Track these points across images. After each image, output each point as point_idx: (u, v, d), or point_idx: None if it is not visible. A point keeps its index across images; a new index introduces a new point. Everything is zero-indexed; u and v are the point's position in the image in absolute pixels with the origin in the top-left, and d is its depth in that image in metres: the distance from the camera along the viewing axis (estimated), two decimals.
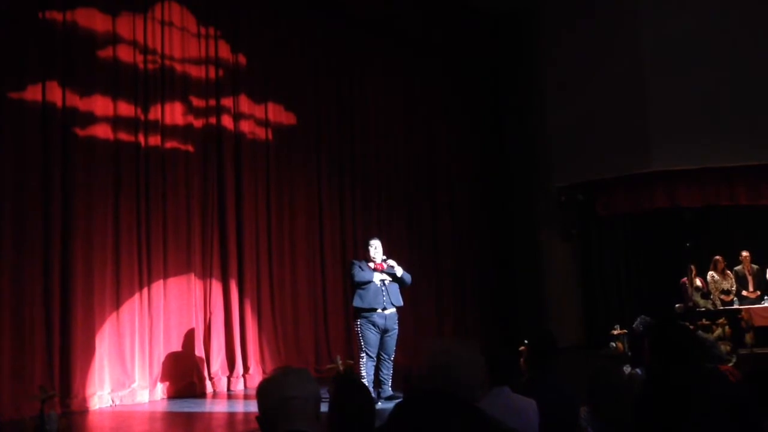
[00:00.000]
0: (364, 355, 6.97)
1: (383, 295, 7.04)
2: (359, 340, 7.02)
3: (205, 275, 8.65)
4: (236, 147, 9.13)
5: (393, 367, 7.22)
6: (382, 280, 7.09)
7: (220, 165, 8.96)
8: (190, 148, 8.69)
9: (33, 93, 7.43)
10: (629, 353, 8.21)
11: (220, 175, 8.94)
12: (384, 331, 7.05)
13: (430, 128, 11.40)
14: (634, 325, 6.45)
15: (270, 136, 9.51)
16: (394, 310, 7.15)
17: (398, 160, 10.96)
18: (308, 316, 9.61)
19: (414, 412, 1.94)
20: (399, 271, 7.19)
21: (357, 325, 7.00)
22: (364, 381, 6.77)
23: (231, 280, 8.85)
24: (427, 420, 1.90)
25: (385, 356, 7.09)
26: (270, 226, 9.38)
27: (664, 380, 2.97)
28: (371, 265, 7.17)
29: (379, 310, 7.00)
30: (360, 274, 6.98)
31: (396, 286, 7.20)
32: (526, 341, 4.00)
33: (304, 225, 9.77)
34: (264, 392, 2.22)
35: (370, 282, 7.00)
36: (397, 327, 7.23)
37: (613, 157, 10.61)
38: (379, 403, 6.54)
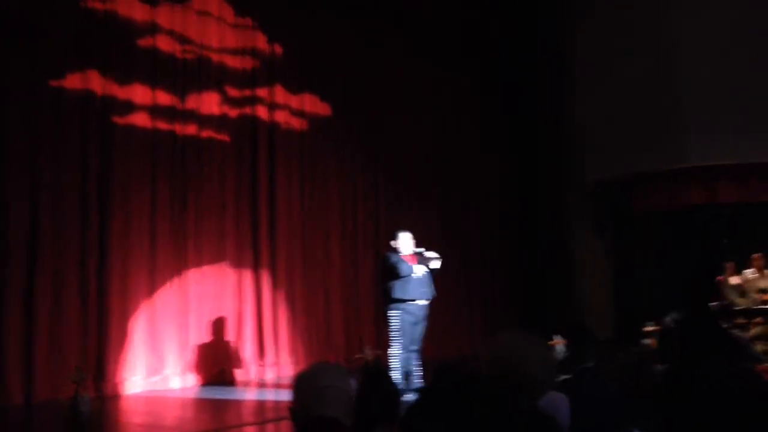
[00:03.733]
0: (396, 345, 6.95)
1: (423, 287, 7.03)
2: (392, 330, 6.97)
3: (238, 264, 8.72)
4: (271, 137, 9.16)
5: (421, 359, 7.18)
6: (421, 273, 7.06)
7: (255, 155, 9.00)
8: (226, 138, 8.75)
9: (72, 81, 7.54)
10: (660, 349, 8.09)
11: (254, 165, 8.98)
12: (417, 322, 7.03)
13: (460, 122, 11.32)
14: (665, 322, 6.33)
15: (305, 127, 9.52)
16: (428, 301, 7.14)
17: (429, 153, 10.92)
18: (340, 306, 9.62)
19: (440, 399, 1.91)
20: (436, 264, 7.16)
21: (393, 315, 6.95)
22: (395, 371, 6.74)
23: (263, 269, 8.89)
24: (452, 407, 1.87)
25: (414, 348, 7.04)
26: (303, 216, 9.41)
27: (689, 376, 2.89)
28: (404, 257, 7.10)
29: (419, 301, 7.00)
30: (403, 267, 6.94)
31: (430, 276, 7.18)
32: (556, 335, 3.92)
33: (337, 216, 9.78)
34: (299, 381, 2.29)
35: (411, 274, 6.97)
36: (426, 319, 7.17)
37: (649, 151, 10.43)
38: (409, 394, 6.50)
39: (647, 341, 8.94)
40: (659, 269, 11.50)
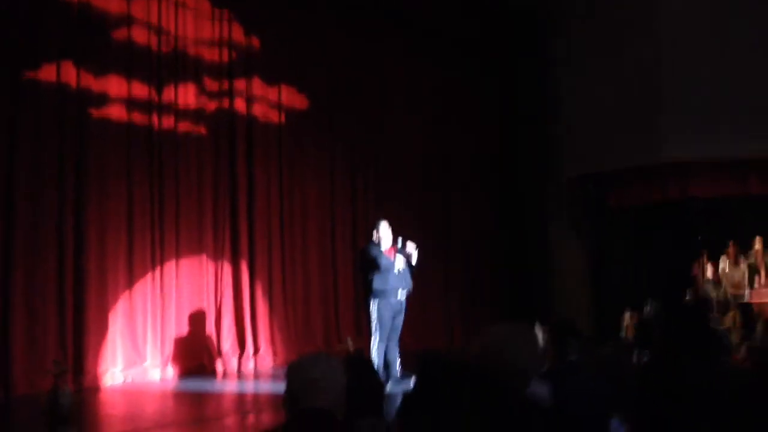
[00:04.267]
0: (376, 336, 7.00)
1: (401, 280, 7.10)
2: (372, 321, 7.02)
3: (216, 256, 8.71)
4: (249, 129, 9.13)
5: (400, 349, 7.22)
6: (399, 267, 7.13)
7: (233, 147, 8.98)
8: (203, 131, 8.71)
9: (48, 73, 7.46)
10: (637, 340, 8.21)
11: (232, 158, 8.96)
12: (396, 314, 7.10)
13: (443, 119, 11.33)
14: (644, 310, 6.43)
15: (283, 119, 9.50)
16: (406, 292, 7.20)
17: (410, 147, 10.91)
18: (319, 298, 9.64)
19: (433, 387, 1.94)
20: (415, 258, 7.21)
21: (374, 306, 7.00)
22: (375, 362, 6.77)
23: (242, 261, 8.89)
24: (444, 393, 1.91)
25: (394, 338, 7.11)
26: (282, 208, 9.40)
27: (669, 367, 2.94)
28: (383, 249, 7.16)
29: (397, 293, 7.05)
30: (384, 261, 6.99)
31: (409, 269, 7.24)
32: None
33: (316, 207, 9.78)
34: (291, 372, 2.30)
35: (391, 267, 7.03)
36: (405, 310, 7.23)
37: (626, 148, 10.52)
38: (389, 386, 6.55)
39: (625, 333, 9.05)
40: (636, 263, 11.64)
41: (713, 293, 10.19)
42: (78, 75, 7.64)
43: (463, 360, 2.14)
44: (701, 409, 2.86)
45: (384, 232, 7.19)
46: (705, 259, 10.45)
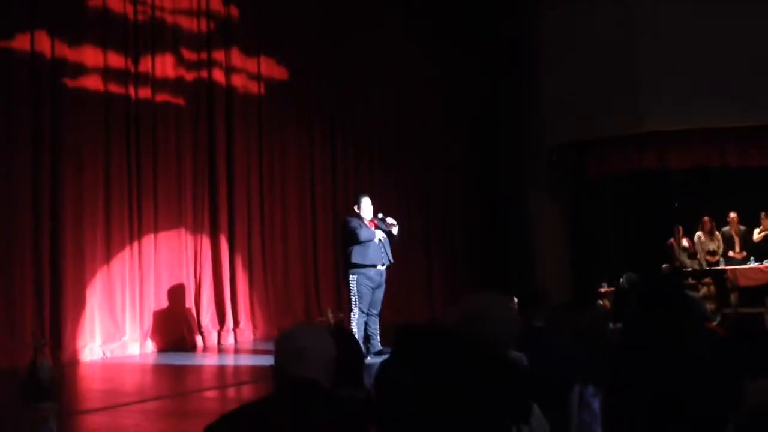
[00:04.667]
0: (356, 310, 7.03)
1: (381, 252, 7.09)
2: (352, 295, 7.04)
3: (195, 230, 8.69)
4: (228, 101, 9.08)
5: (380, 323, 7.27)
6: (380, 238, 7.13)
7: (212, 119, 8.92)
8: (181, 102, 8.65)
9: (21, 42, 7.35)
10: (614, 310, 8.30)
11: (211, 130, 8.91)
12: (377, 287, 7.12)
13: (423, 90, 11.29)
14: (620, 283, 6.50)
15: (262, 91, 9.44)
16: (386, 266, 7.21)
17: (391, 120, 10.89)
18: (299, 271, 9.65)
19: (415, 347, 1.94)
20: (396, 230, 7.23)
21: (352, 280, 7.03)
22: (355, 336, 6.80)
23: (221, 234, 8.88)
24: (429, 354, 1.91)
25: (374, 312, 7.13)
26: (262, 181, 9.38)
27: (643, 333, 2.96)
28: (365, 222, 7.16)
29: (378, 267, 7.06)
30: (364, 232, 6.99)
31: (389, 242, 7.25)
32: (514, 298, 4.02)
33: (296, 180, 9.76)
34: (280, 342, 2.31)
35: (372, 239, 7.03)
36: (385, 284, 7.25)
37: (604, 118, 10.55)
38: (368, 358, 6.60)
39: (602, 302, 9.14)
40: (613, 233, 11.75)
41: (688, 263, 10.33)
42: (52, 44, 7.54)
43: (442, 328, 2.18)
44: (676, 376, 2.89)
45: (365, 207, 7.20)
46: (681, 229, 10.55)
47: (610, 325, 5.70)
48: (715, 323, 7.33)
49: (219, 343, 8.65)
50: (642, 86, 10.37)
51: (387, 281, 7.28)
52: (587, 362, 3.37)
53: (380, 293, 7.19)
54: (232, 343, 8.70)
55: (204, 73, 8.88)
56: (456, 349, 1.90)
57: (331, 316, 7.96)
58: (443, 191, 11.53)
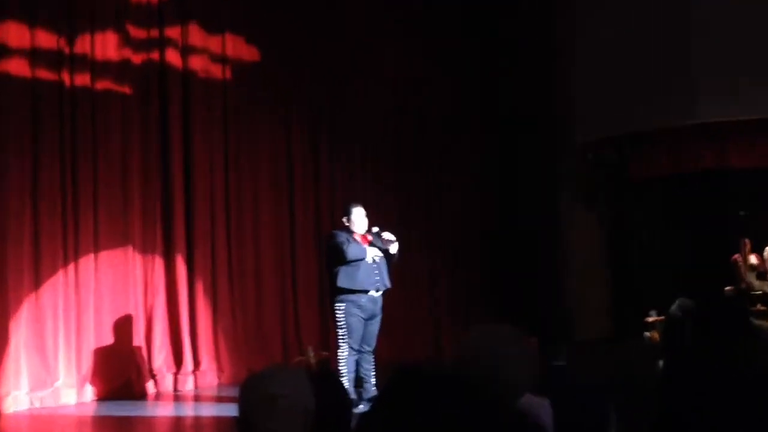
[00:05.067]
0: (345, 347, 7.03)
1: (375, 274, 7.09)
2: (340, 328, 7.05)
3: (146, 248, 8.69)
4: (185, 88, 9.10)
5: (375, 362, 7.26)
6: (374, 257, 7.14)
7: (165, 111, 8.93)
8: (127, 90, 8.67)
9: None
10: (664, 343, 8.26)
11: (164, 124, 8.92)
12: (370, 318, 7.13)
13: (427, 74, 11.30)
14: (671, 310, 6.46)
15: (228, 75, 9.45)
16: (381, 292, 7.22)
17: (387, 112, 10.91)
18: (274, 299, 9.64)
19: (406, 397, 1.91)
20: (395, 248, 7.22)
21: (339, 309, 7.03)
22: (344, 379, 6.82)
23: (178, 253, 8.88)
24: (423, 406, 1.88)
25: (367, 348, 7.15)
26: (227, 187, 9.38)
27: (698, 373, 2.92)
28: (356, 237, 7.18)
29: (371, 292, 7.07)
30: (352, 249, 6.97)
31: (386, 263, 7.26)
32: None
33: (270, 185, 9.77)
34: (246, 389, 2.34)
35: (362, 259, 7.02)
36: (381, 313, 7.26)
37: (651, 106, 10.53)
38: (360, 406, 6.57)
39: (648, 334, 9.11)
40: (663, 247, 11.68)
41: (757, 284, 10.27)
42: None
43: (437, 369, 2.15)
44: (742, 427, 2.85)
45: (358, 220, 7.20)
46: (748, 243, 10.51)
47: (659, 363, 5.67)
48: None
49: (175, 389, 8.63)
50: (696, 67, 10.34)
51: (383, 310, 7.25)
52: (626, 410, 3.32)
53: (374, 326, 7.18)
54: (191, 389, 8.69)
55: (155, 54, 8.89)
56: (451, 397, 1.85)
57: (312, 355, 7.98)
58: (453, 199, 11.55)
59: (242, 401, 2.31)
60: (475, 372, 2.41)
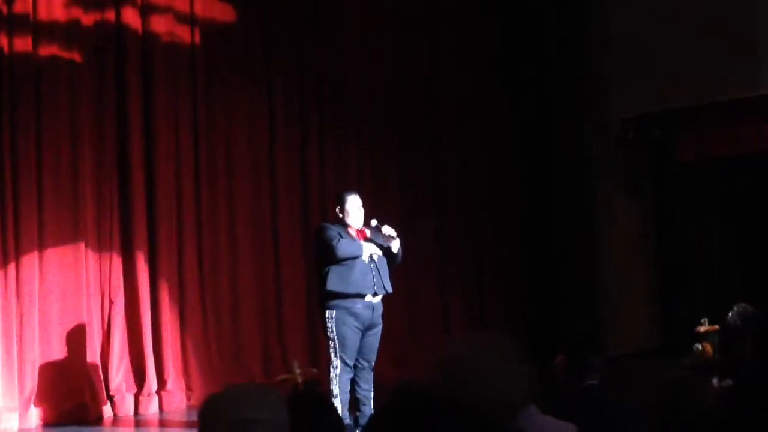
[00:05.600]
0: (337, 362, 7.05)
1: (373, 276, 7.09)
2: (331, 340, 7.07)
3: (101, 246, 8.71)
4: (145, 55, 9.09)
5: (375, 380, 7.28)
6: (371, 255, 7.14)
7: (122, 82, 8.92)
8: (77, 57, 8.66)
9: None
10: (719, 358, 8.25)
11: (121, 98, 8.92)
12: (367, 328, 7.13)
13: (437, 35, 11.31)
14: (728, 319, 6.51)
15: (197, 40, 9.44)
16: (381, 297, 7.24)
17: (388, 83, 10.88)
18: (254, 305, 9.64)
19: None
20: (396, 245, 7.24)
21: (330, 318, 7.04)
22: (336, 401, 6.87)
23: (139, 251, 8.87)
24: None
25: (365, 364, 7.15)
26: (198, 174, 9.39)
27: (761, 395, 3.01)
28: (351, 231, 7.20)
29: (368, 297, 7.07)
30: (344, 245, 6.97)
31: (386, 263, 7.27)
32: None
33: (249, 173, 9.77)
34: (211, 412, 2.30)
35: (357, 257, 7.03)
36: (381, 322, 7.27)
37: (702, 77, 10.53)
38: None
39: (698, 347, 9.13)
40: (719, 243, 11.68)
41: None
42: None
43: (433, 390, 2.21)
44: None
45: (353, 211, 7.22)
46: None
47: (713, 382, 5.70)
48: None
49: (136, 412, 8.64)
50: (762, 30, 10.33)
51: (384, 319, 7.27)
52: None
53: (373, 338, 7.20)
54: (155, 412, 8.70)
55: (110, 15, 8.88)
56: (435, 420, 1.91)
57: (299, 372, 7.97)
58: (466, 187, 11.52)
59: (203, 427, 2.30)
60: (455, 390, 2.45)
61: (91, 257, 8.61)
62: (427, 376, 2.60)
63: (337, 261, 6.97)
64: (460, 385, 2.46)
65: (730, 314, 6.43)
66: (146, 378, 8.76)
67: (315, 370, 7.96)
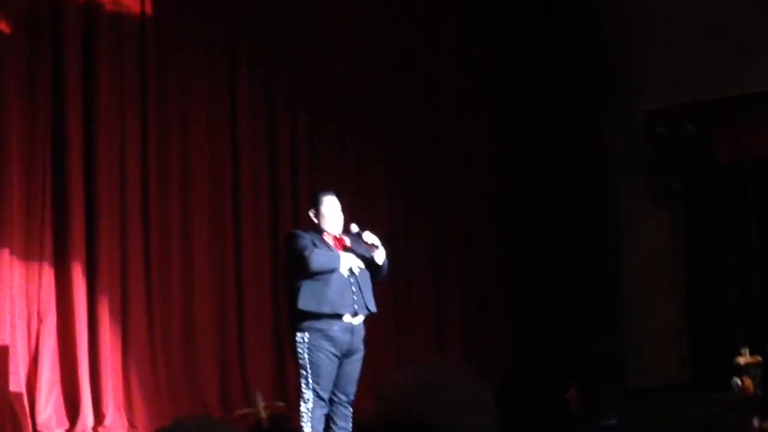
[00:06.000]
0: (309, 395, 7.02)
1: (353, 293, 7.09)
2: (303, 368, 7.03)
3: (29, 254, 8.68)
4: (87, 28, 9.09)
5: (353, 417, 7.26)
6: (351, 268, 7.15)
7: (59, 60, 8.93)
8: (5, 28, 8.67)
9: None
10: (761, 394, 8.25)
11: (58, 78, 8.93)
12: (345, 354, 7.13)
13: (435, 15, 11.43)
14: None
15: (148, 9, 9.43)
16: (363, 318, 7.23)
17: (374, 67, 10.98)
18: (211, 327, 9.65)
19: None
20: (381, 256, 7.23)
21: (302, 342, 7.01)
22: None
23: (74, 262, 8.85)
24: None
25: (342, 397, 7.14)
26: (146, 170, 9.39)
27: None
28: (328, 239, 7.20)
29: (346, 318, 7.05)
30: (318, 256, 6.97)
31: (368, 277, 7.27)
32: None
33: (207, 167, 9.77)
34: None
35: (334, 270, 7.01)
36: (363, 348, 7.24)
37: (746, 64, 10.61)
38: None
39: (737, 381, 9.11)
40: (761, 257, 11.64)
41: None
42: None
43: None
44: None
45: (330, 215, 7.20)
46: None
47: (754, 422, 5.63)
48: None
49: None
50: None
51: (366, 344, 7.25)
52: None
53: (352, 365, 7.20)
54: None
55: None
56: None
57: (263, 406, 7.92)
58: (464, 186, 11.61)
59: None
60: (420, 417, 2.55)
61: (17, 268, 8.57)
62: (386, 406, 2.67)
63: (310, 275, 6.95)
64: (417, 418, 2.53)
65: None
66: (80, 411, 8.70)
67: (282, 404, 7.97)
